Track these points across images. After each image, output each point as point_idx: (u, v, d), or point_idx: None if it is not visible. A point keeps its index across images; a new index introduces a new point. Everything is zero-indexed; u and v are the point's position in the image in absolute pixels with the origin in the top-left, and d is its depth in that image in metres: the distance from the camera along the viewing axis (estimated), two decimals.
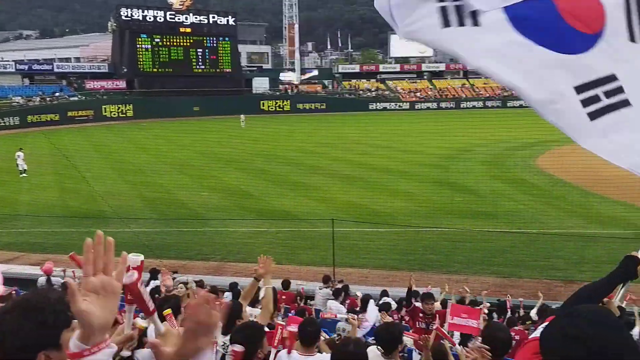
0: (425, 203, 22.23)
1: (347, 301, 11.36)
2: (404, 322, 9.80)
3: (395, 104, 79.94)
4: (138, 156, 37.04)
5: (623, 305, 2.58)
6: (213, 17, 75.45)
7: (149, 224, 19.79)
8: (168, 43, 71.97)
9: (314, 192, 24.75)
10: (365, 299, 10.83)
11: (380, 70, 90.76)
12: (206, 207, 22.29)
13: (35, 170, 30.71)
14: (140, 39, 70.13)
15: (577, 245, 16.33)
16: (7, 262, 15.56)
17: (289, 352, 4.31)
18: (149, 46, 70.73)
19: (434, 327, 7.73)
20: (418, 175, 28.36)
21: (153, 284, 10.72)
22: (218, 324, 1.73)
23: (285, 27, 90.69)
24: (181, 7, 72.64)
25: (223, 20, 76.24)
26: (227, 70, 76.46)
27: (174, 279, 11.23)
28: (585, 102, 2.84)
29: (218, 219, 19.99)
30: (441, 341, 6.42)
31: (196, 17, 73.99)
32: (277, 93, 79.91)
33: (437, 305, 9.14)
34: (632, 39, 2.89)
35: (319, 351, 4.69)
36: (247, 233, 19.00)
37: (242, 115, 57.43)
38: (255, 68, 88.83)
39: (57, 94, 65.01)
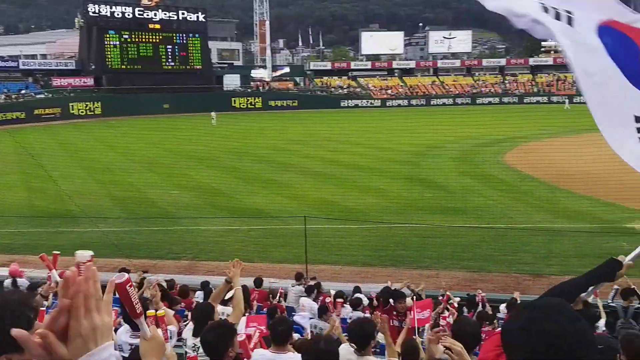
0: (396, 199, 22.40)
1: (320, 298, 11.39)
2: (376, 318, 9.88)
3: (367, 101, 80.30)
4: (107, 154, 36.47)
5: (589, 300, 2.66)
6: (183, 14, 74.62)
7: (119, 223, 19.53)
8: (137, 39, 70.96)
9: (286, 189, 24.73)
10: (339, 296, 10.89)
11: (352, 67, 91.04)
12: (177, 206, 22.08)
13: (0, 170, 30.00)
14: (108, 36, 68.99)
15: (545, 240, 16.65)
16: None
17: (252, 350, 4.30)
18: (117, 43, 69.64)
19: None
20: (389, 171, 28.56)
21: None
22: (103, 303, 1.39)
23: (256, 24, 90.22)
24: (150, 3, 71.66)
25: (193, 17, 75.47)
26: (198, 67, 75.77)
27: (143, 278, 11.13)
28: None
29: (189, 217, 19.82)
30: (413, 337, 6.50)
31: (165, 14, 73.08)
32: (249, 90, 79.49)
33: (409, 301, 9.26)
34: None
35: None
36: (218, 231, 18.88)
37: (213, 113, 56.97)
38: (226, 65, 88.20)
39: (22, 92, 63.53)
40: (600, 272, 2.88)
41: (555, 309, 1.76)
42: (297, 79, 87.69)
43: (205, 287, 10.78)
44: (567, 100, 72.84)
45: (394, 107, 78.65)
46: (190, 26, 75.12)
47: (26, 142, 32.34)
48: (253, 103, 76.14)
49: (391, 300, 9.04)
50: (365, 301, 10.69)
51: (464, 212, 20.46)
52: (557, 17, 3.23)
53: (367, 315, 9.67)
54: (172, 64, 73.69)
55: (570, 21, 3.21)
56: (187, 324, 4.89)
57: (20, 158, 30.47)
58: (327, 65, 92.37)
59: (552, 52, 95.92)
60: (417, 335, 6.96)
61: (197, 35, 75.38)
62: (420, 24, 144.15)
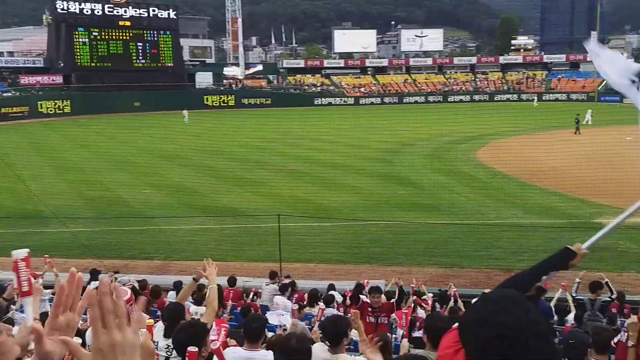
0: (370, 197, 22.52)
1: (295, 296, 11.40)
2: (349, 315, 9.93)
3: (340, 99, 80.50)
4: (77, 153, 35.86)
5: (544, 287, 2.69)
6: (153, 10, 73.72)
7: (89, 223, 19.23)
8: (107, 37, 69.92)
9: (260, 187, 24.65)
10: (313, 294, 10.92)
11: (325, 65, 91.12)
12: (149, 205, 21.82)
13: None
14: (77, 33, 67.83)
15: (516, 235, 16.91)
16: None
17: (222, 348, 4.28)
18: (87, 40, 68.53)
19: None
20: (363, 169, 28.69)
21: (94, 284, 10.44)
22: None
23: (228, 21, 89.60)
24: (120, 0, 70.66)
25: (164, 14, 74.63)
26: (169, 64, 75.01)
27: (115, 279, 10.99)
28: None
29: (161, 216, 19.60)
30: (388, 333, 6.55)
31: (135, 10, 72.12)
32: (221, 88, 78.97)
33: (383, 297, 9.31)
34: None
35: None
36: (191, 231, 18.73)
37: (184, 111, 56.49)
38: (198, 62, 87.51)
39: None
40: (554, 261, 2.92)
41: (510, 301, 1.77)
42: (270, 76, 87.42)
43: (178, 287, 10.68)
44: (535, 98, 74.25)
45: (367, 105, 79.05)
46: (161, 23, 74.28)
47: None
48: (226, 101, 75.68)
49: (363, 297, 9.07)
50: (339, 298, 10.74)
51: (437, 209, 20.67)
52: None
53: (341, 312, 9.71)
54: (143, 61, 72.80)
55: None
56: (157, 325, 4.84)
57: None
58: (300, 63, 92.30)
59: (522, 50, 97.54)
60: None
61: (168, 33, 74.61)
62: (393, 23, 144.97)
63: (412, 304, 9.26)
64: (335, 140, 39.92)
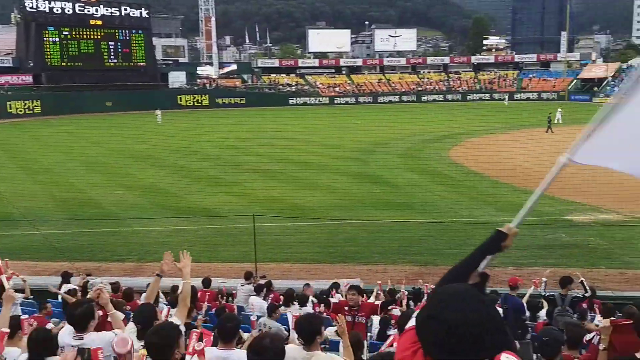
0: (345, 196, 22.57)
1: (271, 296, 11.36)
2: (324, 314, 9.94)
3: (315, 99, 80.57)
4: (48, 155, 35.22)
5: (488, 272, 2.71)
6: (125, 9, 72.85)
7: (61, 225, 18.89)
8: (77, 36, 68.89)
9: (234, 187, 24.53)
10: (289, 294, 10.90)
11: (300, 65, 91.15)
12: (121, 206, 21.53)
13: None
14: (47, 32, 66.71)
15: (488, 233, 16.91)
16: None
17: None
18: (57, 39, 67.46)
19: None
20: (338, 168, 28.76)
21: (65, 287, 10.27)
22: None
23: (201, 20, 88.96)
24: None
25: (136, 13, 73.80)
26: (141, 64, 74.19)
27: (87, 281, 10.84)
28: None
29: (134, 218, 19.36)
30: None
31: (107, 9, 71.19)
32: (195, 88, 78.39)
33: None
34: None
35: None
36: (165, 232, 18.51)
37: (157, 111, 55.89)
38: (171, 62, 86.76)
39: None
40: (488, 245, 2.96)
41: (461, 296, 1.79)
42: (245, 76, 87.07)
43: None
44: (506, 97, 75.38)
45: (342, 104, 79.27)
46: (133, 22, 73.47)
47: None
48: (200, 101, 75.15)
49: (339, 295, 9.08)
50: (314, 298, 10.75)
51: (411, 208, 20.81)
52: None
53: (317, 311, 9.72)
54: (115, 60, 71.91)
55: None
56: (128, 327, 4.78)
57: None
58: (275, 63, 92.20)
59: (494, 50, 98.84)
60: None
61: (140, 32, 73.82)
62: (366, 22, 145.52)
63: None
64: (310, 139, 39.92)
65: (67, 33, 67.96)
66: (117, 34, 71.85)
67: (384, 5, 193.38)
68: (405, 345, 1.98)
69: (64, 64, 67.83)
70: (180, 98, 73.81)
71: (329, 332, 8.01)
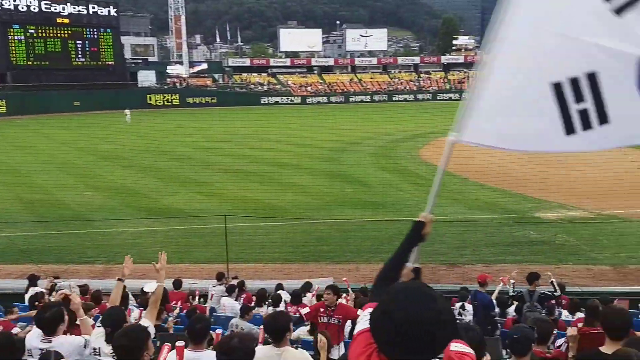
0: (317, 195, 22.59)
1: (243, 296, 11.30)
2: (298, 314, 9.92)
3: (287, 98, 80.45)
4: (13, 155, 34.45)
5: (419, 266, 2.86)
6: (93, 7, 71.65)
7: (27, 227, 18.47)
8: (44, 34, 67.54)
9: (205, 188, 24.34)
10: (261, 294, 10.86)
11: (271, 64, 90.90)
12: (90, 208, 21.18)
13: None
14: (12, 30, 65.24)
15: (459, 230, 17.31)
16: None
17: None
18: (23, 38, 66.04)
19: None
20: (310, 168, 28.77)
21: (32, 290, 10.06)
22: None
23: (171, 19, 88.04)
24: None
25: (104, 11, 72.64)
26: (110, 62, 73.09)
27: (55, 284, 10.64)
28: None
29: (103, 219, 19.07)
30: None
31: (74, 7, 69.91)
32: (165, 87, 77.55)
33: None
34: None
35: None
36: (135, 233, 18.27)
37: (127, 110, 55.14)
38: (140, 61, 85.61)
39: None
40: (410, 237, 3.09)
41: (411, 294, 1.81)
42: (216, 75, 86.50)
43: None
44: None
45: (314, 104, 79.31)
46: (101, 20, 72.34)
47: None
48: (170, 100, 74.37)
49: (309, 294, 9.04)
50: (287, 298, 10.72)
51: (383, 206, 20.93)
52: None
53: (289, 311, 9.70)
54: (83, 59, 70.70)
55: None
56: (97, 330, 4.72)
57: None
58: (246, 62, 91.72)
59: (463, 50, 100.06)
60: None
61: (108, 30, 72.72)
62: (338, 22, 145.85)
63: None
64: (282, 139, 39.86)
65: (33, 31, 66.58)
66: (84, 33, 70.62)
67: (355, 5, 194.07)
68: (359, 349, 1.98)
69: (30, 62, 66.46)
70: (150, 97, 72.94)
71: (302, 331, 8.01)
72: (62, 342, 4.53)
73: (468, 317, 9.29)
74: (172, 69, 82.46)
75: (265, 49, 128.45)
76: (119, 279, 5.54)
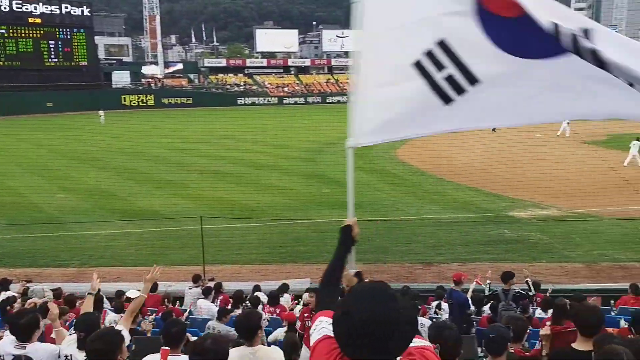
0: (295, 196, 22.57)
1: (220, 298, 11.24)
2: (275, 315, 9.93)
3: (264, 99, 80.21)
4: None
5: (360, 270, 3.07)
6: (66, 7, 70.49)
7: None
8: (15, 34, 66.27)
9: (181, 189, 24.14)
10: (238, 296, 10.83)
11: (247, 64, 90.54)
12: (63, 210, 20.84)
13: None
14: None
15: (434, 230, 17.47)
16: None
17: None
18: None
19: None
20: (287, 168, 28.73)
21: (4, 295, 9.86)
22: None
23: (145, 19, 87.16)
24: None
25: (77, 11, 71.54)
26: (83, 63, 72.01)
27: (27, 288, 10.46)
28: None
29: (77, 222, 18.78)
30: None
31: (47, 7, 68.69)
32: (140, 87, 76.71)
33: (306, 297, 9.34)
34: None
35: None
36: (109, 236, 18.05)
37: (100, 111, 54.44)
38: (114, 61, 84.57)
39: None
40: (342, 242, 3.19)
41: (370, 294, 1.83)
42: (191, 75, 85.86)
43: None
44: None
45: (291, 104, 79.20)
46: (74, 20, 71.25)
47: None
48: (145, 101, 73.60)
49: (287, 296, 9.02)
50: (264, 299, 10.71)
51: (360, 206, 20.71)
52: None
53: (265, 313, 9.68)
54: (56, 60, 69.54)
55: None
56: (69, 336, 4.67)
57: None
58: (222, 62, 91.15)
59: None
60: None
61: (81, 30, 71.65)
62: (314, 23, 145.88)
63: None
64: (259, 140, 39.73)
65: (3, 31, 65.29)
66: (57, 33, 69.47)
67: (331, 5, 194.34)
68: (322, 357, 1.99)
69: (1, 63, 65.18)
70: (125, 98, 72.09)
71: (279, 333, 8.00)
72: (37, 348, 4.47)
73: (444, 315, 9.38)
74: (147, 70, 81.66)
75: (242, 49, 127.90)
76: (89, 293, 5.53)
